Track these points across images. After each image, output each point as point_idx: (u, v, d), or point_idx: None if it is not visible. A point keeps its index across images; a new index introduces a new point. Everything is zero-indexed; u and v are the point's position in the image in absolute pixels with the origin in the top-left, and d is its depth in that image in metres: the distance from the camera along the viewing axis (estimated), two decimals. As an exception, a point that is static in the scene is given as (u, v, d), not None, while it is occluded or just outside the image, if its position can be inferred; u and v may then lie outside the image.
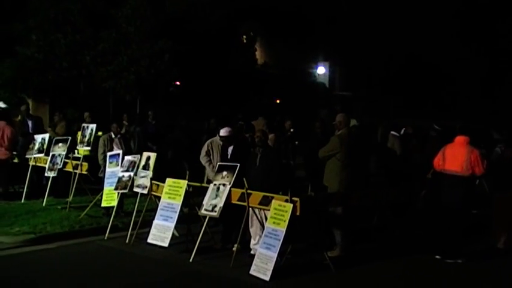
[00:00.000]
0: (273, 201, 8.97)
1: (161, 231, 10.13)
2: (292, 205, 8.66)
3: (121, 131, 13.30)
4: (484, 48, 36.07)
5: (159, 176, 10.88)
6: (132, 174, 11.14)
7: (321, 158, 10.08)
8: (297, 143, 14.87)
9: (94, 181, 13.13)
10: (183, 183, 10.25)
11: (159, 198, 10.59)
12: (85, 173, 13.12)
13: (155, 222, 10.31)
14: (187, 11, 21.68)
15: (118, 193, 11.40)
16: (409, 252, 10.29)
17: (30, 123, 15.70)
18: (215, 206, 9.61)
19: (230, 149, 10.81)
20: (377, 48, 35.91)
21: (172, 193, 10.28)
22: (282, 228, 8.63)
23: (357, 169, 10.05)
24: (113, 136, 12.66)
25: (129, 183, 11.11)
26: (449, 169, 10.02)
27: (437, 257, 9.95)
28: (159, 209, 10.40)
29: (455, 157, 9.98)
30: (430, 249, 10.18)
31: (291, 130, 15.27)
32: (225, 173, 9.84)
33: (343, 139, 9.94)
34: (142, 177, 10.99)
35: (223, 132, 10.91)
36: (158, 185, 10.69)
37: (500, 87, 35.32)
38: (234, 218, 9.83)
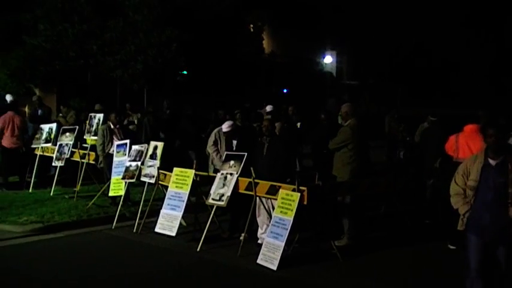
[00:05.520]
0: (281, 190, 8.94)
1: (169, 221, 10.13)
2: (299, 194, 8.64)
3: (124, 120, 13.18)
4: (492, 37, 35.88)
5: (167, 165, 10.87)
6: (139, 163, 11.14)
7: (332, 149, 10.01)
8: (299, 124, 14.80)
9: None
10: (191, 173, 10.24)
11: (166, 187, 10.60)
12: (92, 162, 13.13)
13: (162, 211, 10.31)
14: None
15: (125, 182, 11.41)
16: (418, 241, 10.23)
17: (39, 113, 15.73)
18: (222, 195, 9.59)
19: (235, 141, 10.80)
20: (384, 37, 35.73)
21: (180, 182, 10.28)
22: (289, 218, 8.61)
23: (365, 158, 10.02)
24: (112, 126, 12.52)
25: (137, 173, 11.12)
26: (464, 158, 9.87)
27: (450, 246, 9.84)
28: (166, 198, 10.39)
29: (469, 146, 9.84)
30: (443, 238, 10.08)
31: (298, 124, 15.26)
32: (232, 162, 9.82)
33: (354, 129, 9.88)
34: (150, 166, 10.99)
35: (225, 127, 10.91)
36: (165, 175, 10.69)
37: (508, 75, 35.16)
38: (242, 207, 9.83)
